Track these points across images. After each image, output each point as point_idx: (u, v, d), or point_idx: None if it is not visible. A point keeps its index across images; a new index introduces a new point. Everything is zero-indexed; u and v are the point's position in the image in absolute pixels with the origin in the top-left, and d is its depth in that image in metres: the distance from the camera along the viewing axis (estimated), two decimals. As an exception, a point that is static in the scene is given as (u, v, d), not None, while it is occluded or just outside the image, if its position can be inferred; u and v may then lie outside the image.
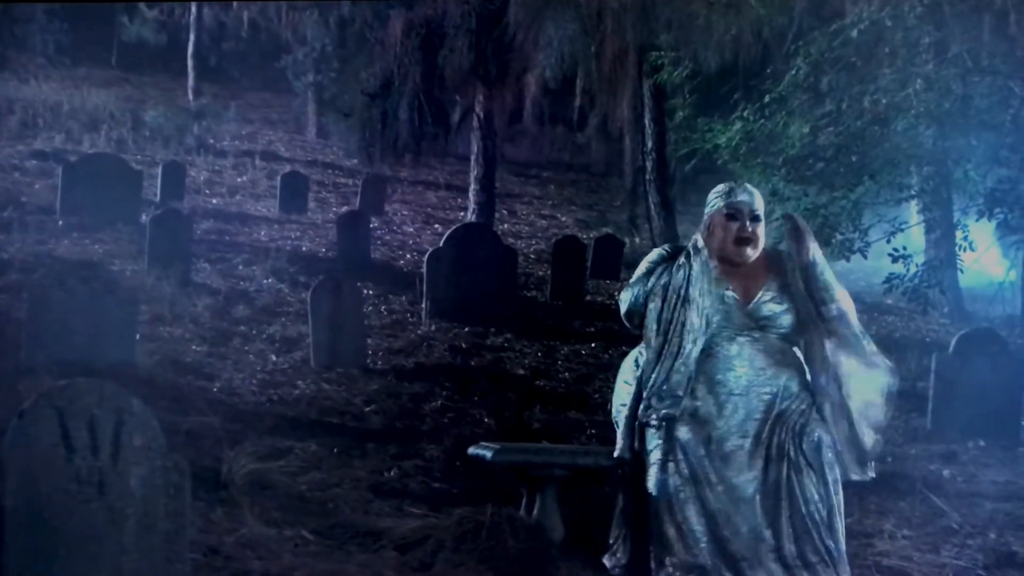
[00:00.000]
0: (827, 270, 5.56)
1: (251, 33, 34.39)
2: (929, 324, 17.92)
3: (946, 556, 6.92)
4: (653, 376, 5.47)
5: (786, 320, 5.45)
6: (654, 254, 5.69)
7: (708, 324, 5.41)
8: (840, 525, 5.36)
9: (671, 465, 5.37)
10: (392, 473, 8.16)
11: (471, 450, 6.51)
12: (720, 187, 5.61)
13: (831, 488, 5.36)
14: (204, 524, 6.58)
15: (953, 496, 8.23)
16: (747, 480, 5.34)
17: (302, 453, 8.46)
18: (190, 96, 33.05)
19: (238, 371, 10.95)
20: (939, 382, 10.55)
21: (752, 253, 5.48)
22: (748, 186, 5.63)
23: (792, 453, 5.34)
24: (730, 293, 5.44)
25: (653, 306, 5.48)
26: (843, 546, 5.35)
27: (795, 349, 5.50)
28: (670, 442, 5.39)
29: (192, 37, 34.16)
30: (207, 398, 9.79)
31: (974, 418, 10.28)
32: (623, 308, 5.59)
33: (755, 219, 5.48)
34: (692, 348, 5.40)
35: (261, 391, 10.41)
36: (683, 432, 5.37)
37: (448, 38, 20.09)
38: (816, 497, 5.32)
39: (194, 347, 11.65)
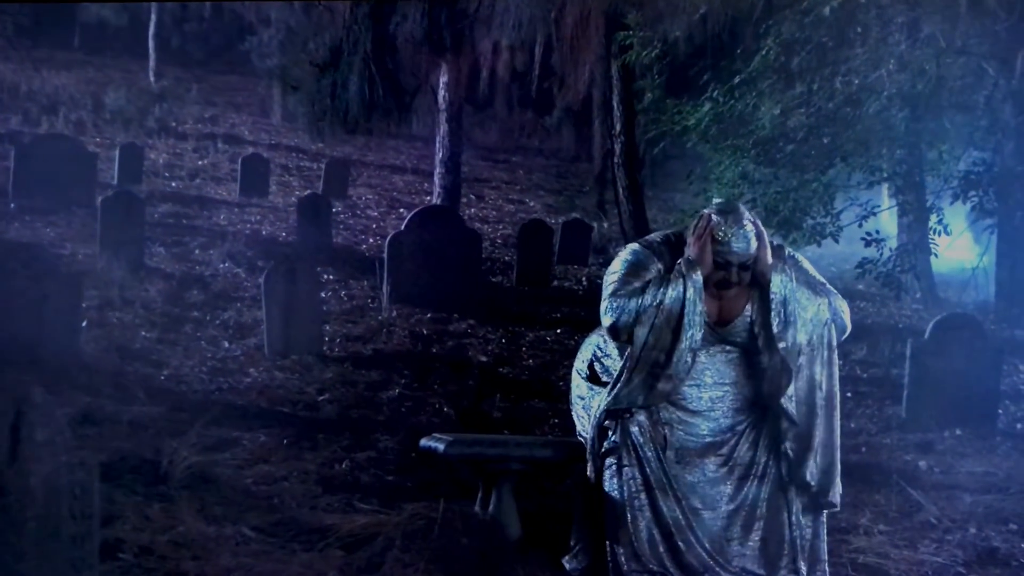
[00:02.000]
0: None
1: (214, 14, 33.87)
2: (902, 310, 17.64)
3: (924, 552, 6.59)
4: (626, 388, 5.08)
5: (762, 341, 5.04)
6: (629, 253, 5.19)
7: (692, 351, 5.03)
8: (823, 531, 5.05)
9: (626, 470, 5.05)
10: (344, 466, 7.80)
11: (423, 442, 6.13)
12: (718, 219, 5.04)
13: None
14: (139, 521, 6.22)
15: (930, 488, 7.92)
16: (711, 493, 4.99)
17: (250, 445, 8.11)
18: (151, 78, 32.55)
19: (188, 358, 10.56)
20: (915, 369, 10.21)
21: (731, 294, 5.05)
22: (746, 229, 5.03)
23: (784, 470, 4.99)
24: (704, 314, 5.02)
25: (641, 328, 5.03)
26: (825, 555, 5.05)
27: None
28: (625, 446, 5.04)
29: (153, 18, 33.61)
30: (153, 386, 9.44)
31: (950, 406, 9.96)
32: (610, 320, 5.08)
33: (744, 268, 5.03)
34: (670, 370, 5.02)
35: (211, 379, 10.03)
36: (636, 434, 5.02)
37: (400, 4, 19.53)
38: (804, 521, 4.98)
39: (143, 333, 11.26)
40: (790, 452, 5.04)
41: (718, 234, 5.01)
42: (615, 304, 5.07)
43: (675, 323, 4.96)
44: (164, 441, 7.54)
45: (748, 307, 5.06)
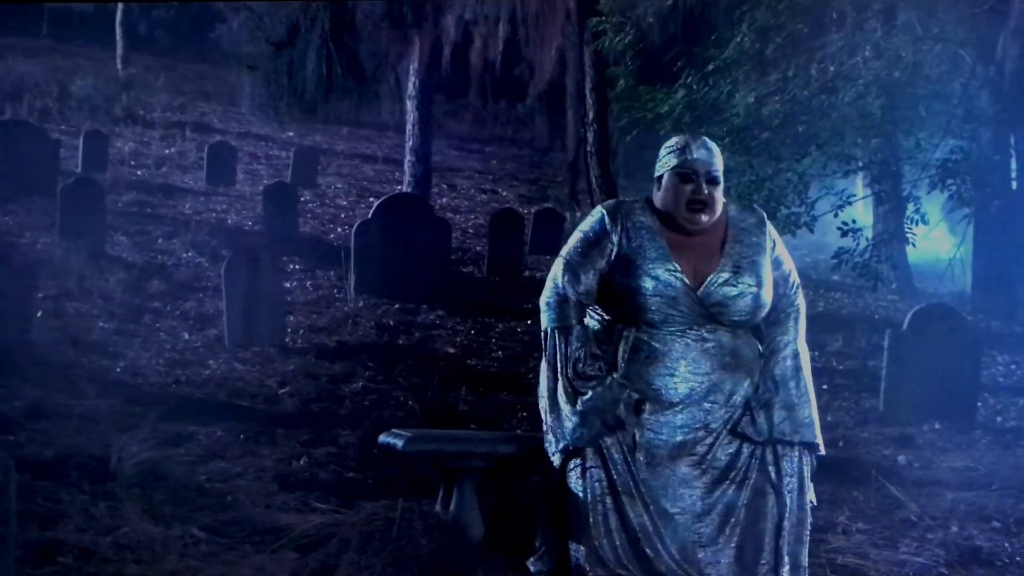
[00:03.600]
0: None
1: (182, 2, 33.48)
2: (878, 301, 17.44)
3: (905, 552, 6.34)
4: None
5: (742, 305, 4.73)
6: (594, 221, 4.86)
7: (649, 311, 4.71)
8: (806, 537, 4.78)
9: (591, 472, 4.73)
10: (302, 462, 7.51)
11: (382, 438, 5.80)
12: (673, 141, 4.82)
13: (806, 497, 4.77)
14: (83, 521, 5.96)
15: (910, 484, 7.67)
16: (680, 496, 4.67)
17: (205, 440, 7.85)
18: (119, 66, 32.13)
19: (145, 350, 10.26)
20: (892, 361, 9.97)
21: (707, 219, 4.71)
22: (707, 140, 4.82)
23: (773, 475, 4.70)
24: (678, 274, 4.69)
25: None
26: (806, 560, 4.78)
27: (754, 341, 4.82)
28: (591, 447, 4.74)
29: (120, 5, 33.13)
30: (107, 379, 9.17)
31: (929, 398, 9.74)
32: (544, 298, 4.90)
33: (712, 181, 4.74)
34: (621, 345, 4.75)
35: (168, 371, 9.73)
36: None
37: (359, -22, 19.13)
38: (788, 526, 4.69)
39: (101, 324, 10.96)
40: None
41: (675, 146, 4.79)
42: (552, 287, 4.88)
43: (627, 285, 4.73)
44: (115, 436, 7.26)
45: (720, 263, 4.75)
